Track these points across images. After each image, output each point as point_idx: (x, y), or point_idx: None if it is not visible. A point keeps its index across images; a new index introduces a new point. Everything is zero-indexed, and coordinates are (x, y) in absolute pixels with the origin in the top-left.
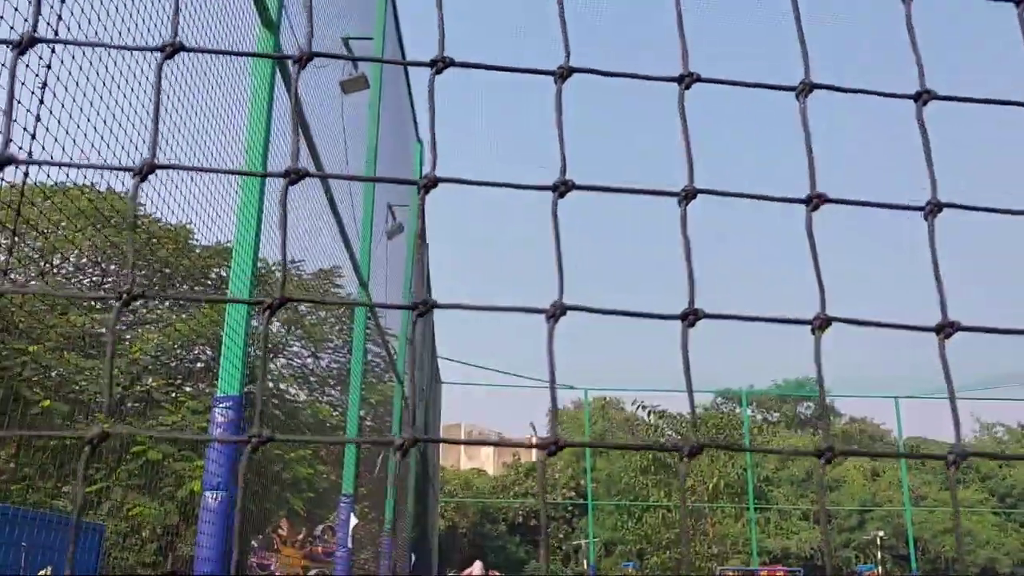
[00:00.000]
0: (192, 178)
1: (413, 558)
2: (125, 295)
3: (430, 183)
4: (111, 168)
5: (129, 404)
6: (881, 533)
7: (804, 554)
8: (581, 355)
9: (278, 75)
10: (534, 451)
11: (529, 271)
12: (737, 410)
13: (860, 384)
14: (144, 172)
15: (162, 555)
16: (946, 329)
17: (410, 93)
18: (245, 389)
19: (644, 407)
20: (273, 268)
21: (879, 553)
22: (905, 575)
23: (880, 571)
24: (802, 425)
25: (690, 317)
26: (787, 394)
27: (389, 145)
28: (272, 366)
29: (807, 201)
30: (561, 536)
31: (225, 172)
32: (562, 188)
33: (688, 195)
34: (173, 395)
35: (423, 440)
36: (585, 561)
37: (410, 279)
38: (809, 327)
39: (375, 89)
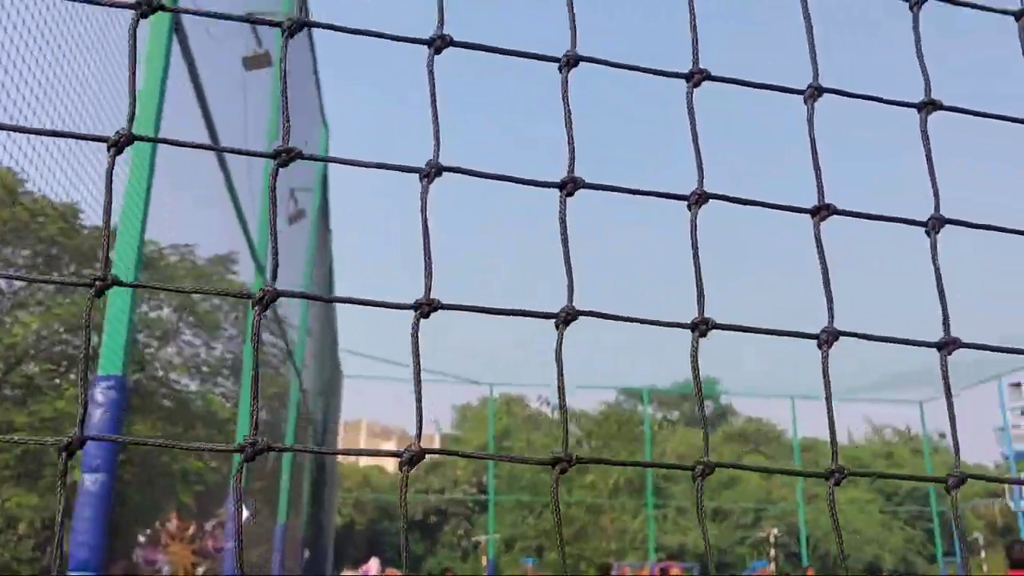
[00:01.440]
0: (77, 155)
1: (307, 554)
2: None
3: (434, 170)
4: None
5: (7, 391)
6: (775, 530)
7: (699, 550)
8: (488, 351)
9: (175, 44)
10: (437, 447)
11: (439, 258)
12: (639, 408)
13: (758, 385)
14: None
15: (40, 551)
16: (948, 346)
17: (316, 75)
18: (133, 377)
19: (548, 403)
20: (164, 251)
21: (772, 550)
22: (796, 571)
23: (773, 567)
24: (701, 423)
25: (701, 327)
26: (687, 392)
27: (293, 128)
28: (162, 354)
29: (814, 212)
30: (461, 532)
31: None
32: (570, 186)
33: (699, 199)
34: (56, 381)
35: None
36: (484, 557)
37: (311, 266)
38: (815, 341)
39: (278, 66)
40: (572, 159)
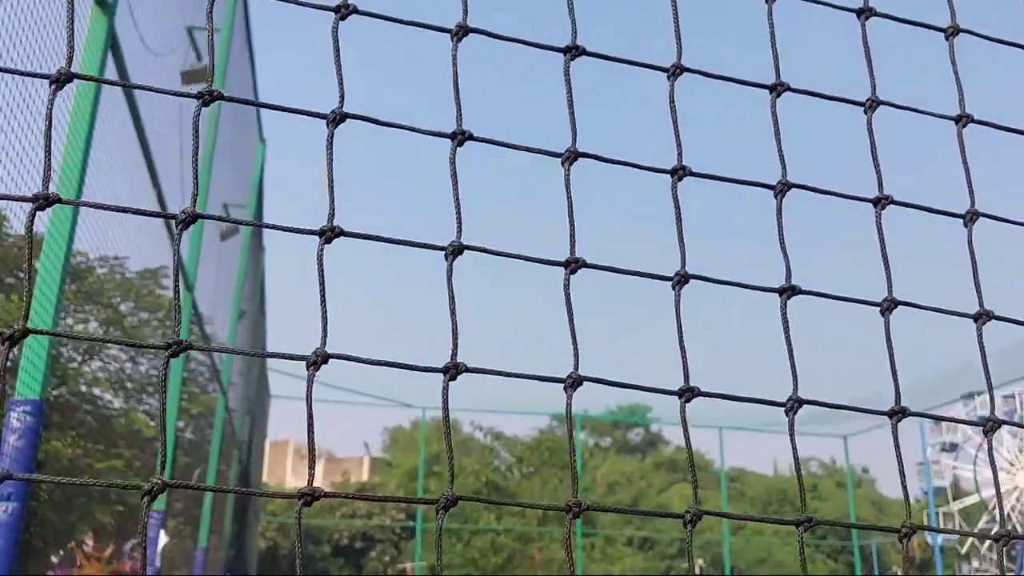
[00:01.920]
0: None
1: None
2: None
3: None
4: None
5: None
6: (701, 561)
7: None
8: (418, 374)
9: (110, 58)
10: (365, 471)
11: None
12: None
13: (687, 412)
14: None
15: None
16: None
17: (255, 88)
18: (48, 393)
19: (480, 429)
20: (93, 263)
21: None
22: None
23: None
24: (631, 451)
25: (688, 393)
26: (620, 419)
27: (228, 142)
28: (86, 369)
29: (781, 291)
30: (388, 559)
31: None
32: (573, 265)
33: (682, 280)
34: None
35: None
36: None
37: (242, 284)
38: (783, 408)
39: (219, 82)
40: (572, 242)
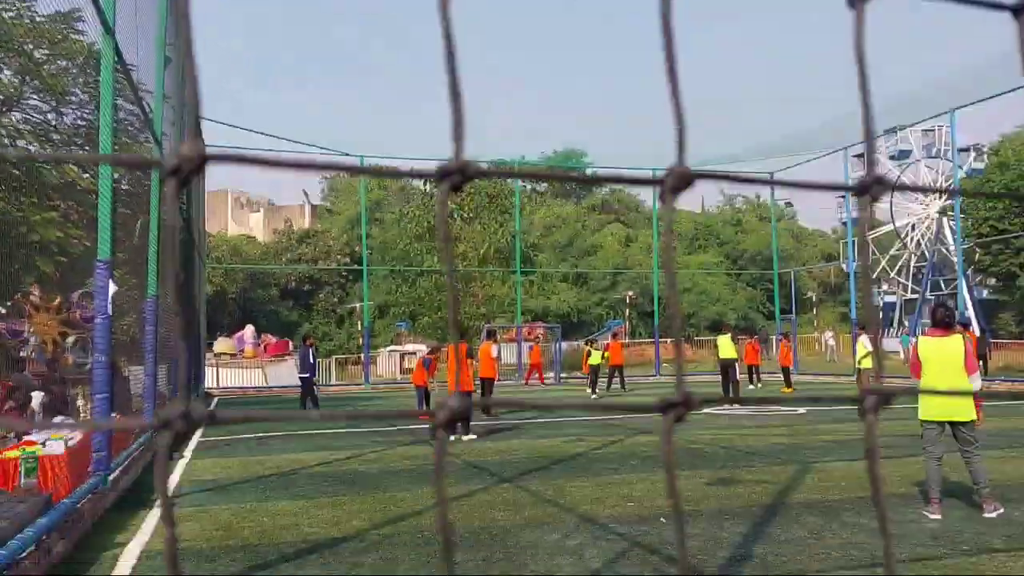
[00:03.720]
0: None
1: (179, 323)
2: None
3: None
4: None
5: None
6: (631, 292)
7: (562, 312)
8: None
9: None
10: (307, 219)
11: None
12: (509, 180)
13: (619, 159)
14: None
15: None
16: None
17: None
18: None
19: (421, 175)
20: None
21: (627, 310)
22: (648, 327)
23: (627, 325)
24: (567, 195)
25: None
26: (557, 165)
27: None
28: (6, 120)
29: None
30: (336, 300)
31: None
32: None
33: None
34: None
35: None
36: (360, 322)
37: (164, 26)
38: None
39: None
40: None
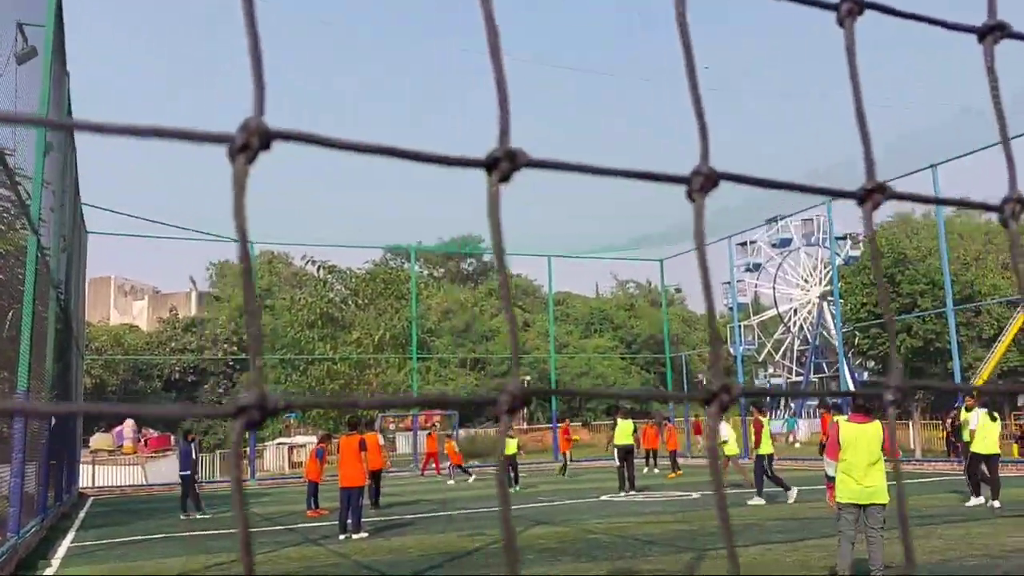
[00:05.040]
0: None
1: (53, 420)
2: None
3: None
4: None
5: None
6: (528, 377)
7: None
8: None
9: None
10: (193, 306)
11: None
12: (405, 265)
13: (518, 243)
14: None
15: None
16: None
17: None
18: None
19: (314, 262)
20: None
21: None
22: (547, 412)
23: (525, 410)
24: (464, 280)
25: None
26: (452, 251)
27: None
28: None
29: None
30: (221, 391)
31: None
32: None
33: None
34: None
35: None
36: None
37: (47, 113)
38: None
39: None
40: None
